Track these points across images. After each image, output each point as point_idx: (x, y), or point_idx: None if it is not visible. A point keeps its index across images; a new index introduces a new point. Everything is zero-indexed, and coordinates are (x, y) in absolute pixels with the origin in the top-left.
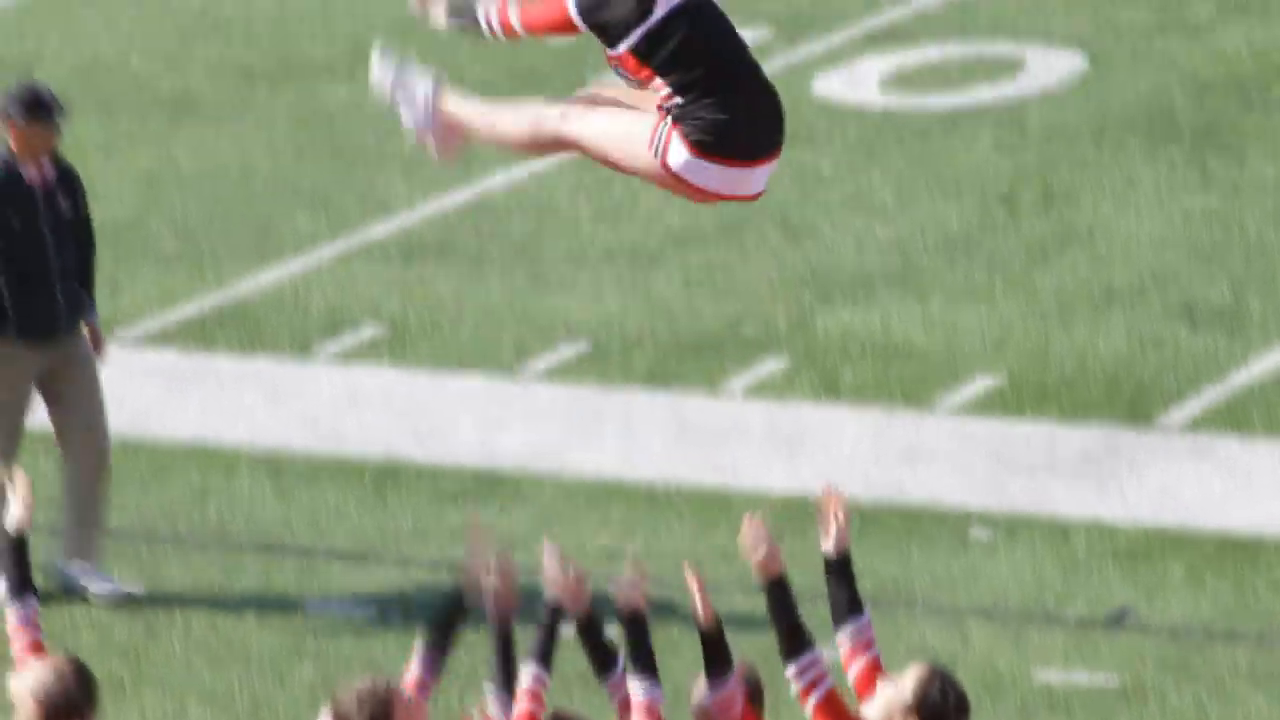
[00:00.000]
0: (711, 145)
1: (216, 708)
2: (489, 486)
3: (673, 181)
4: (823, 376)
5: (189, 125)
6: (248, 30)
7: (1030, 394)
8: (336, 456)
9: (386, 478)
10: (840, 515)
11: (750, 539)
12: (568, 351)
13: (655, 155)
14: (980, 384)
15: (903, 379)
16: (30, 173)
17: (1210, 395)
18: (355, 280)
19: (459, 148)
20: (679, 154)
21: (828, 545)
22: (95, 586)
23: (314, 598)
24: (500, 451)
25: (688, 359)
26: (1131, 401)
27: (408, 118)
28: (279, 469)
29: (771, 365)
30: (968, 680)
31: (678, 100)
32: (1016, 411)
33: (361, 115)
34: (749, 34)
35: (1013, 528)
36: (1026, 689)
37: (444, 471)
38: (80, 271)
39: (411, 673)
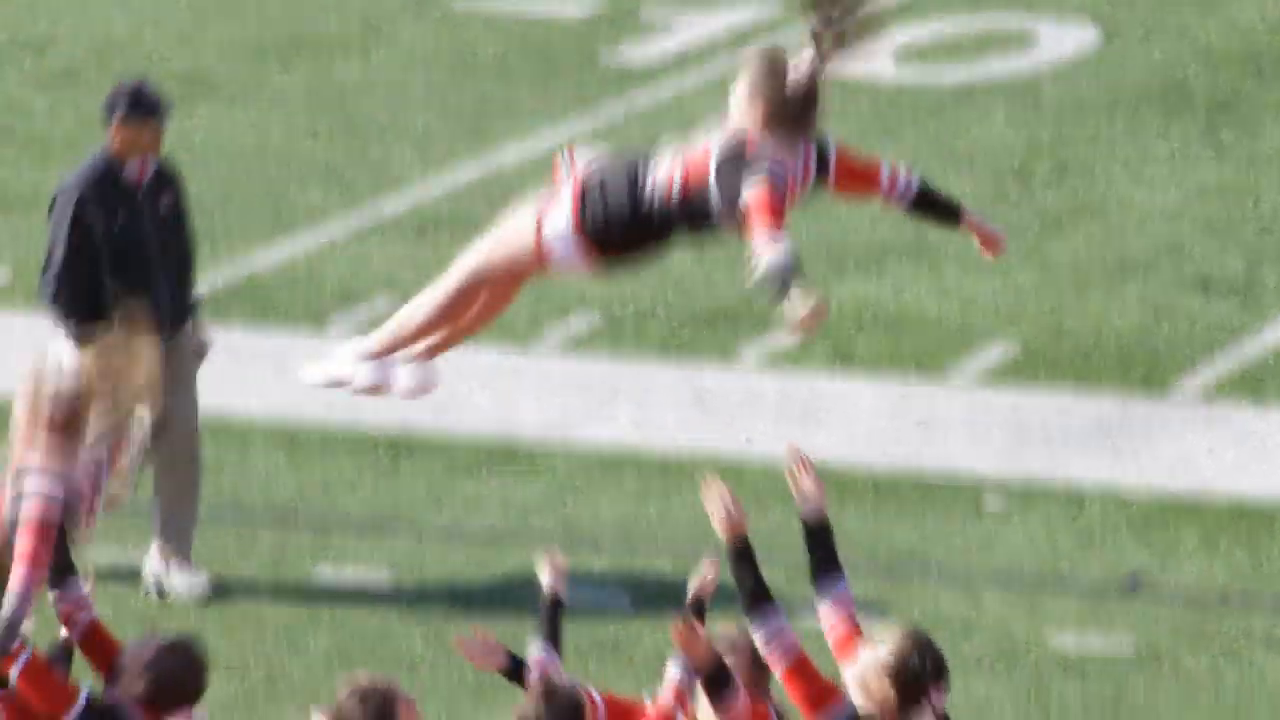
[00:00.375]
0: (593, 230)
1: (231, 678)
2: (503, 457)
3: (538, 252)
4: (837, 347)
5: (202, 103)
6: (260, 8)
7: (1044, 363)
8: (350, 428)
9: (400, 449)
10: (808, 478)
11: (711, 501)
12: (581, 323)
13: (534, 224)
14: (994, 353)
15: (916, 349)
16: (131, 171)
17: (1224, 364)
18: (368, 254)
19: (425, 366)
20: (558, 222)
21: (802, 509)
22: (180, 582)
23: (328, 568)
24: (514, 422)
25: (701, 330)
26: (1145, 370)
27: (361, 383)
28: (293, 441)
29: (785, 336)
30: (982, 647)
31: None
32: (1031, 381)
33: (373, 91)
34: (761, 11)
35: (1027, 496)
36: (1041, 655)
37: (458, 442)
38: (180, 269)
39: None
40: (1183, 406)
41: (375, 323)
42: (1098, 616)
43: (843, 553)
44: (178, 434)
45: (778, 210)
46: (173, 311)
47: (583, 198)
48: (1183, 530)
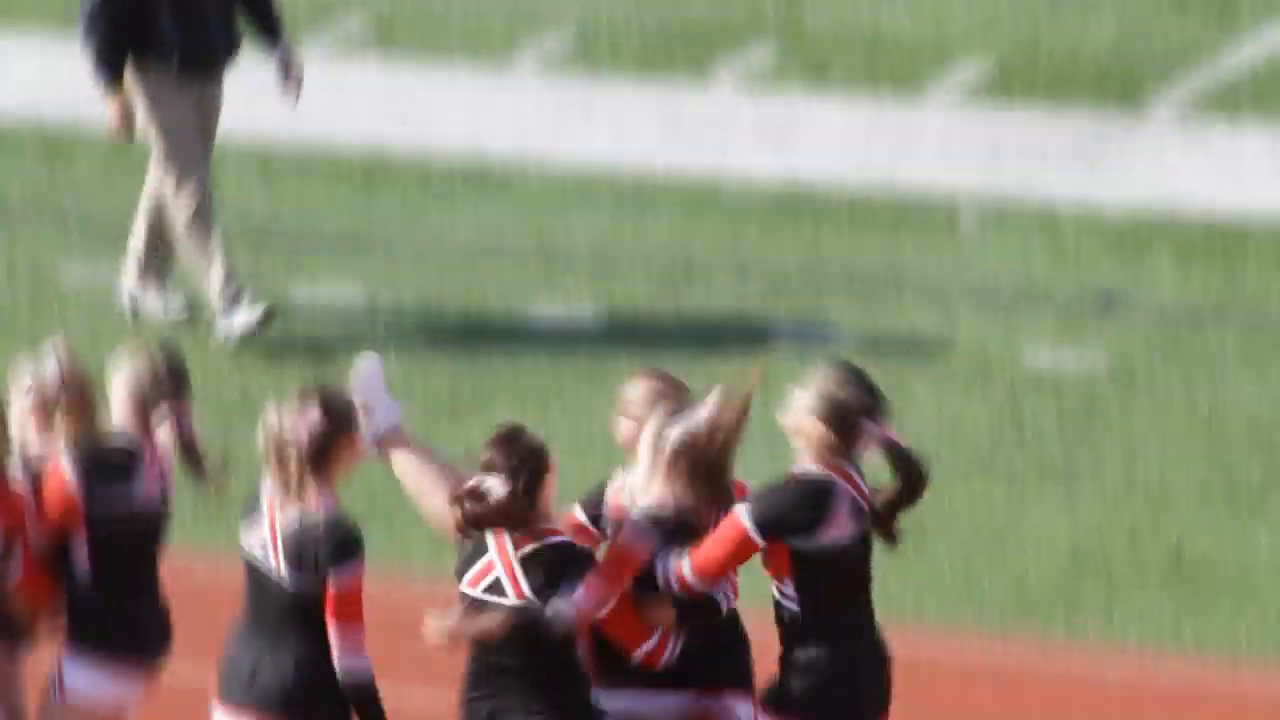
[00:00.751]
0: None
1: (206, 396)
2: (477, 177)
3: None
4: (812, 65)
5: None
6: None
7: (1020, 81)
8: (324, 148)
9: (375, 169)
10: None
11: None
12: (555, 42)
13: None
14: (970, 72)
15: (892, 67)
16: None
17: (1200, 81)
18: None
19: None
20: None
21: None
22: (166, 304)
23: (302, 288)
24: (488, 142)
25: (676, 48)
26: (1121, 88)
27: (364, 427)
28: (267, 161)
29: (760, 54)
30: (957, 365)
31: None
32: (1006, 99)
33: None
34: None
35: (1002, 214)
36: (1016, 372)
37: (432, 162)
38: (251, 4)
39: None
40: (1158, 124)
41: (349, 41)
42: (1072, 334)
43: (818, 273)
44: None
45: None
46: (225, 48)
47: None
48: (1157, 248)
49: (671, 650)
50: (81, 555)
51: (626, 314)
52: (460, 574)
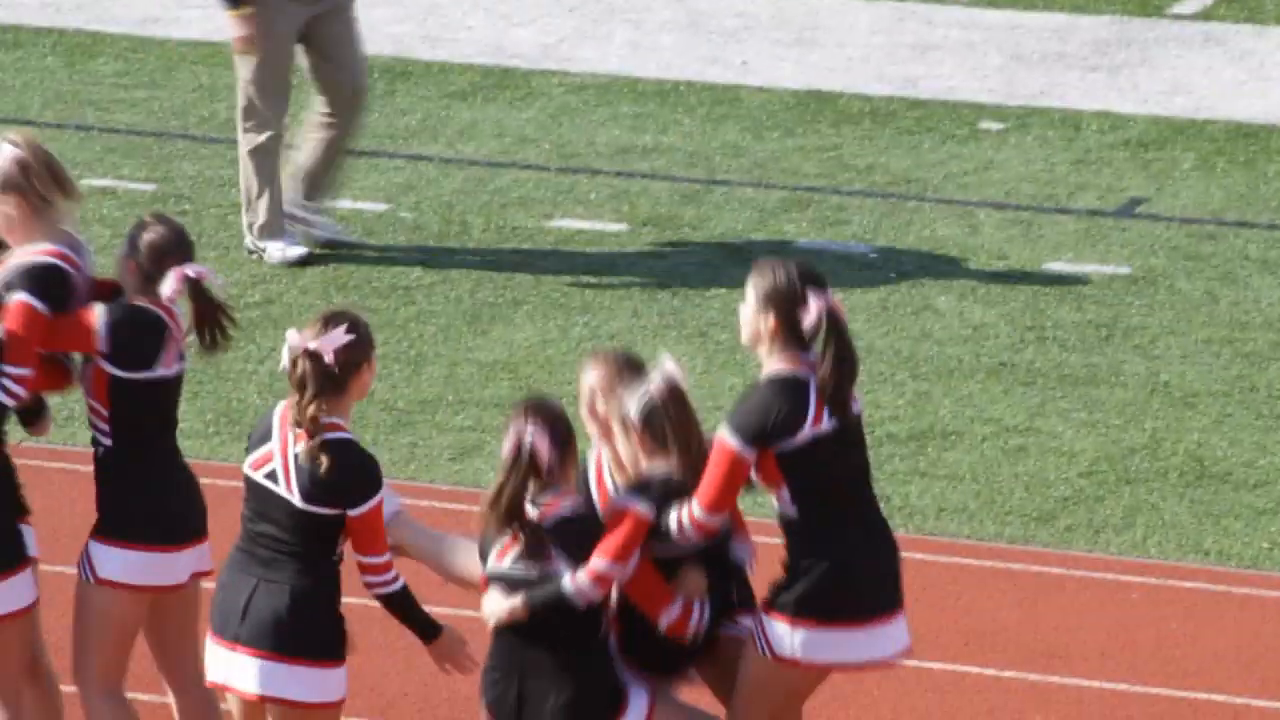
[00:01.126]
0: None
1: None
2: (498, 82)
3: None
4: None
5: None
6: None
7: None
8: None
9: (396, 75)
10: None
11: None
12: None
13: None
14: None
15: None
16: None
17: None
18: None
19: None
20: None
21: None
22: (320, 230)
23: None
24: (510, 48)
25: None
26: None
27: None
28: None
29: None
30: (979, 271)
31: None
32: (1028, 2)
33: None
34: None
35: (1024, 119)
36: (1038, 279)
37: (453, 68)
38: None
39: None
40: (1181, 27)
41: None
42: (1094, 239)
43: (840, 179)
44: (338, 79)
45: None
46: None
47: None
48: (1180, 152)
49: (699, 620)
50: (105, 428)
51: (648, 221)
52: (484, 556)
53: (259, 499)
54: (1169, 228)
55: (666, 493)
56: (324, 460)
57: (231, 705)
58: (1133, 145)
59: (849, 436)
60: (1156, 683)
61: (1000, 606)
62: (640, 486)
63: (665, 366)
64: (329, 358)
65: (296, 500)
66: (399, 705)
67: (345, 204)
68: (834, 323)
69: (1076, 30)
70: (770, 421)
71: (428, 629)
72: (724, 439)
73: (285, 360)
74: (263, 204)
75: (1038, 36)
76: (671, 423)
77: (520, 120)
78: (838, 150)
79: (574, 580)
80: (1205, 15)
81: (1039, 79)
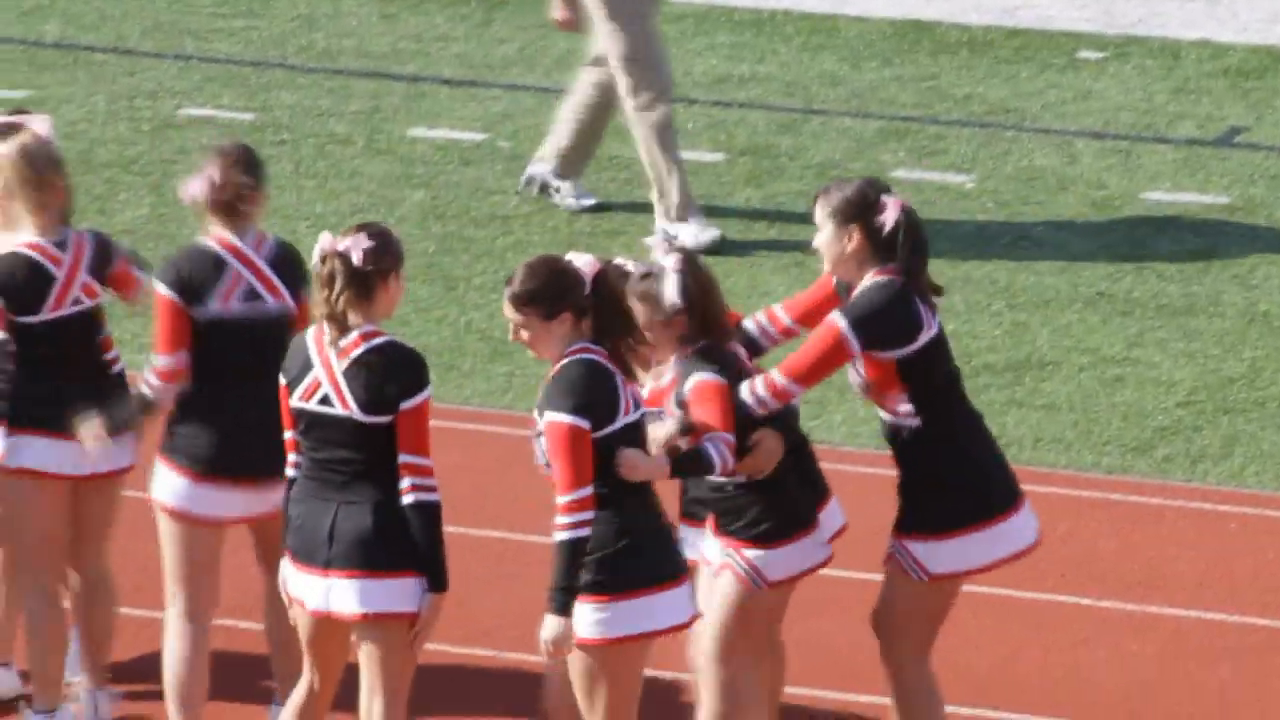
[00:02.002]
0: None
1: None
2: None
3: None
4: None
5: None
6: None
7: None
8: None
9: (493, 4)
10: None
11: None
12: None
13: None
14: None
15: None
16: None
17: None
18: None
19: None
20: None
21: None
22: (571, 201)
23: (422, 123)
24: None
25: None
26: None
27: None
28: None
29: None
30: (1077, 200)
31: None
32: None
33: None
34: None
35: (1123, 48)
36: (1137, 208)
37: None
38: None
39: None
40: None
41: None
42: (1192, 169)
43: (938, 109)
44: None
45: None
46: None
47: None
48: (1278, 80)
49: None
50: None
51: (745, 151)
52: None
53: (319, 427)
54: (1268, 157)
55: (721, 368)
56: (372, 361)
57: (299, 621)
58: (1232, 74)
59: (944, 334)
60: (1254, 612)
61: (1098, 536)
62: (700, 357)
63: (675, 258)
64: (357, 257)
65: (357, 414)
66: (495, 634)
67: (442, 132)
68: (910, 219)
69: None
70: (888, 328)
71: (441, 576)
72: (835, 322)
73: (315, 258)
74: (674, 183)
75: None
76: (700, 311)
77: None
78: (935, 80)
79: (752, 389)
80: None
81: (1137, 8)
